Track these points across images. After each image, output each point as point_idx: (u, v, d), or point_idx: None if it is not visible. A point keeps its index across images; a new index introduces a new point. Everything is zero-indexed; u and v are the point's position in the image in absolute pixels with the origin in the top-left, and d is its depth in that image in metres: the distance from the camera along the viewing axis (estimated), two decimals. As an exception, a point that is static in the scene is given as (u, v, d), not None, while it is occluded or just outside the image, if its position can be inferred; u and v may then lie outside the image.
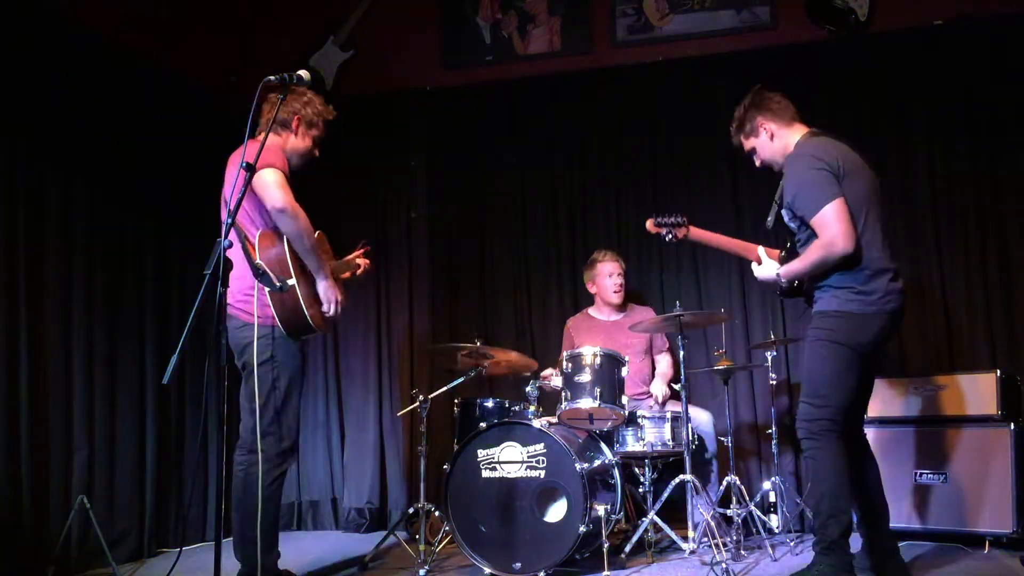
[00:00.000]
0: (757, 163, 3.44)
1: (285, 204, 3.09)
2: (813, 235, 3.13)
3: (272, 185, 3.10)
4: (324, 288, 3.27)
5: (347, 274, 3.65)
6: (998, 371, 3.98)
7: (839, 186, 3.07)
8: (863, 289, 3.09)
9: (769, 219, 3.41)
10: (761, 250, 3.42)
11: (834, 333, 3.11)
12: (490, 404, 4.15)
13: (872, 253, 3.10)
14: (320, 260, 3.25)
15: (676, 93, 5.07)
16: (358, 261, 3.75)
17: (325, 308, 3.27)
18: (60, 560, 3.79)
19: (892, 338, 3.29)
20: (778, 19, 4.96)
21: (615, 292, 4.66)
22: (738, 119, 3.39)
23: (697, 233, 3.58)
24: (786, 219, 3.28)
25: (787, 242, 3.38)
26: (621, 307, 4.74)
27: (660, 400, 4.44)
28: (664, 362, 4.70)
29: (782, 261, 3.35)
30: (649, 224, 3.58)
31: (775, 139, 3.31)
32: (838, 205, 3.04)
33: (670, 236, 3.56)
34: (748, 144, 3.40)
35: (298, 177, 3.35)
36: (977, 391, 3.98)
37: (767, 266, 3.36)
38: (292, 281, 3.08)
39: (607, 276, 4.66)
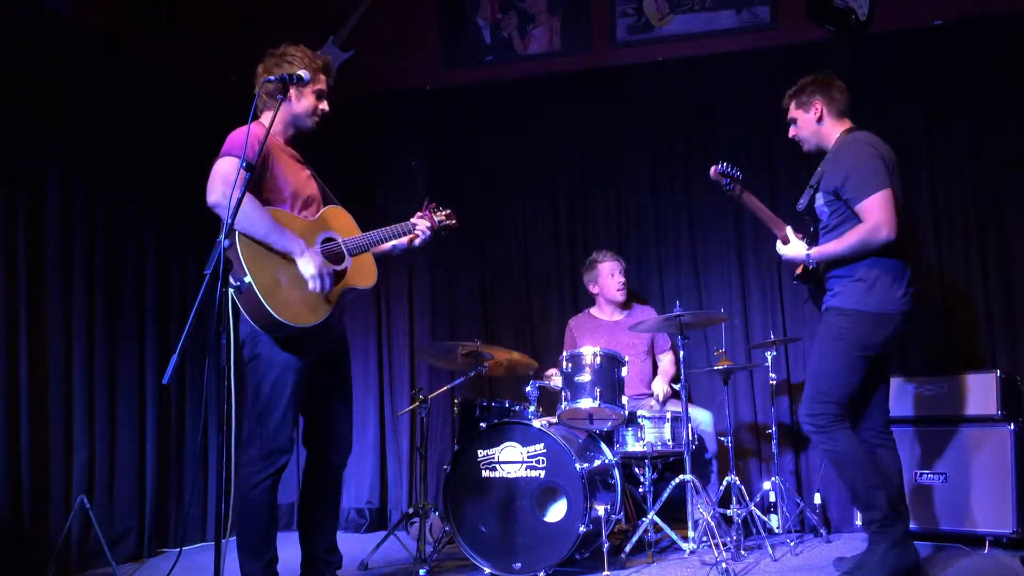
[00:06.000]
0: (791, 133, 3.54)
1: (214, 200, 2.83)
2: (845, 223, 3.24)
3: (212, 177, 2.85)
4: (302, 265, 2.92)
5: (405, 239, 3.36)
6: (998, 371, 3.99)
7: (889, 179, 3.18)
8: (890, 286, 3.19)
9: (802, 201, 3.46)
10: (789, 229, 3.45)
11: (850, 332, 3.20)
12: (490, 404, 4.15)
13: (905, 251, 3.23)
14: (289, 237, 2.93)
15: (676, 93, 5.07)
16: (415, 223, 3.40)
17: (311, 286, 2.93)
18: (60, 560, 3.79)
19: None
20: (778, 19, 4.96)
21: (619, 291, 4.67)
22: (800, 86, 3.50)
23: (749, 197, 3.51)
24: (820, 203, 3.34)
25: (810, 227, 3.45)
26: (624, 305, 4.74)
27: (661, 399, 4.44)
28: (666, 360, 4.70)
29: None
30: (713, 171, 3.46)
31: (822, 122, 3.42)
32: (888, 195, 3.16)
33: (729, 188, 3.48)
34: (794, 113, 3.50)
35: (311, 146, 3.26)
36: (977, 391, 3.99)
37: (795, 245, 3.40)
38: (248, 279, 2.82)
39: (609, 275, 4.67)
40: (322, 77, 3.20)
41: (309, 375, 3.11)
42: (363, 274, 3.21)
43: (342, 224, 3.21)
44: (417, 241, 3.43)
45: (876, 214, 3.14)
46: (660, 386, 4.51)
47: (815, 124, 3.44)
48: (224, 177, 2.86)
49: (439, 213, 3.52)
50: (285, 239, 2.93)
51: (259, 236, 2.89)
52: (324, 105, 3.21)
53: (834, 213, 3.29)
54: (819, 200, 3.35)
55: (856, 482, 3.19)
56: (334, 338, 3.23)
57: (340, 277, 3.12)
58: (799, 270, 3.55)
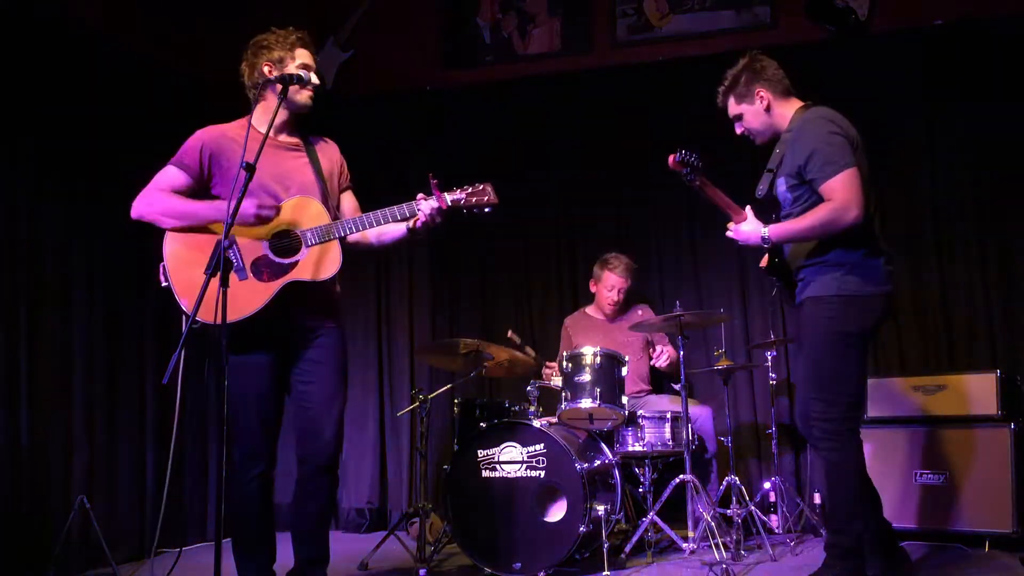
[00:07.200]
0: (739, 130, 3.29)
1: (133, 214, 2.95)
2: (811, 206, 3.00)
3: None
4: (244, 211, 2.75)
5: (413, 227, 3.00)
6: (998, 371, 3.99)
7: (854, 157, 2.96)
8: (864, 267, 2.97)
9: (760, 187, 3.21)
10: (748, 209, 3.19)
11: (835, 321, 2.98)
12: (490, 404, 4.14)
13: (873, 232, 3.02)
14: (205, 206, 2.89)
15: (676, 93, 5.07)
16: (418, 207, 2.95)
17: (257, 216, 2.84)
18: (60, 560, 3.79)
19: (883, 327, 3.23)
20: (778, 19, 4.97)
21: (609, 305, 4.66)
22: (732, 79, 3.22)
23: (707, 185, 3.15)
24: (782, 187, 3.11)
25: (771, 215, 3.20)
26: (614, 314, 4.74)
27: (667, 360, 4.49)
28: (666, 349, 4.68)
29: None
30: (672, 160, 3.08)
31: (771, 110, 3.17)
32: (855, 173, 2.92)
33: (690, 178, 3.10)
34: (737, 108, 3.23)
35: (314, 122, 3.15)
36: (977, 391, 3.98)
37: (751, 223, 3.11)
38: (168, 279, 2.90)
39: (607, 288, 4.65)
40: (301, 51, 3.03)
41: (274, 372, 2.98)
42: (320, 265, 2.90)
43: (306, 215, 2.92)
44: (419, 224, 3.00)
45: (843, 193, 2.89)
46: (664, 356, 4.54)
47: (764, 114, 3.18)
48: (148, 190, 2.95)
49: (455, 192, 3.04)
50: (203, 209, 2.89)
51: (184, 222, 2.90)
52: (312, 77, 3.00)
53: (798, 199, 3.06)
54: (780, 185, 3.12)
55: (842, 503, 2.98)
56: (299, 329, 3.00)
57: (285, 270, 2.89)
58: (764, 261, 3.31)
